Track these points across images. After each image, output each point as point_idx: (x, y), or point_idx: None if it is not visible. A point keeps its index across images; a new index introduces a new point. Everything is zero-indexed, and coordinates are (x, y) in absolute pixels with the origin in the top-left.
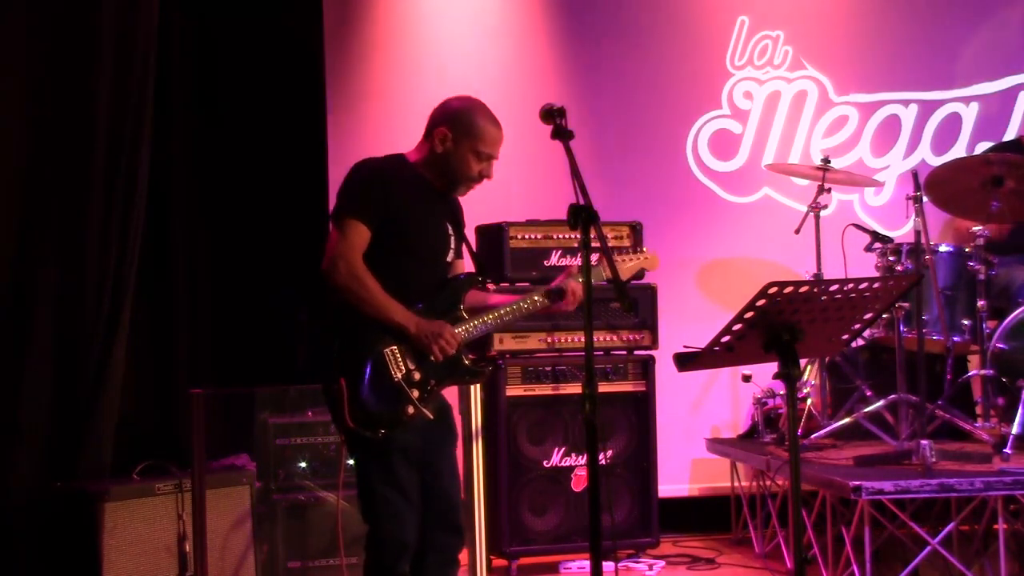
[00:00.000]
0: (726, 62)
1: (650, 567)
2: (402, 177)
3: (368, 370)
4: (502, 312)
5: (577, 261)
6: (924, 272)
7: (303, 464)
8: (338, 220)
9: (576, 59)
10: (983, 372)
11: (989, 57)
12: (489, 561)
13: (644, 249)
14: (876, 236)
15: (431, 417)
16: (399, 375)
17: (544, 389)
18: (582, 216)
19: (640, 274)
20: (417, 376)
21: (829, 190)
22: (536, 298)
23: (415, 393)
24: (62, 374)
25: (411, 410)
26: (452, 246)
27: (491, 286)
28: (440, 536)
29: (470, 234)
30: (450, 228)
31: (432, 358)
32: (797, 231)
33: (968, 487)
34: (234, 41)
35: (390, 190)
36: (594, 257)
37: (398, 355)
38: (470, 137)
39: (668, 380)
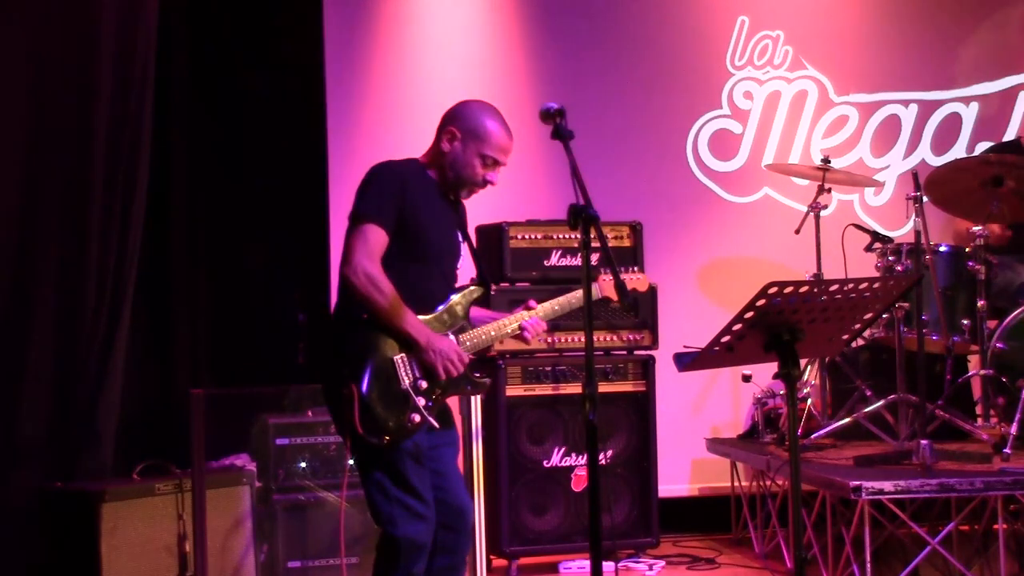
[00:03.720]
0: (726, 62)
1: (650, 567)
2: (418, 182)
3: (378, 377)
4: (504, 323)
5: (577, 261)
6: (924, 272)
7: (303, 464)
8: (357, 223)
9: (576, 60)
10: (983, 372)
11: (989, 57)
12: (489, 561)
13: (636, 269)
14: (876, 236)
15: (437, 426)
16: (407, 383)
17: (544, 389)
18: (582, 216)
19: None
20: (424, 385)
21: (829, 190)
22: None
23: (421, 401)
24: (62, 374)
25: (417, 418)
26: (460, 254)
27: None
28: (449, 537)
29: (470, 234)
30: (460, 236)
31: (437, 376)
32: (797, 231)
33: (968, 487)
34: (234, 41)
35: (407, 195)
36: (594, 257)
37: (406, 363)
38: (477, 139)
39: (668, 380)
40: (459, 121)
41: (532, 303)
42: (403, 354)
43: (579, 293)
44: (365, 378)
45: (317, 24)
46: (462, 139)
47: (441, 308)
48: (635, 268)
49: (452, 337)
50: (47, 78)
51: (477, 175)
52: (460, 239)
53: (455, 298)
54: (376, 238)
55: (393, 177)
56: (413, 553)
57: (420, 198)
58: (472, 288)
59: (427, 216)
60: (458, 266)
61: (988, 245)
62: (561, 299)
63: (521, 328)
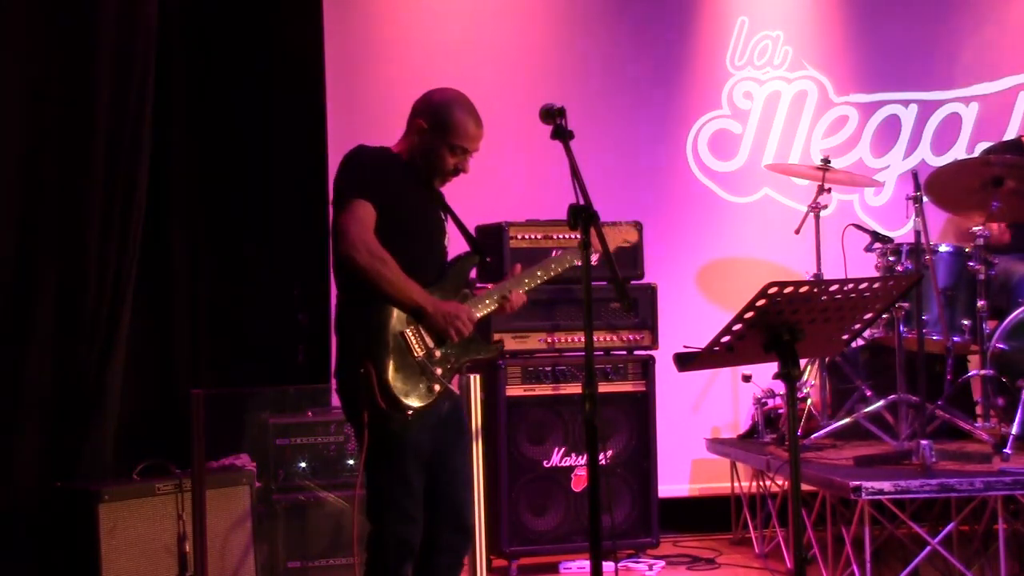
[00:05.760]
0: (726, 62)
1: (650, 567)
2: (394, 165)
3: (392, 351)
4: (506, 285)
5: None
6: (924, 272)
7: (303, 464)
8: (344, 201)
9: (576, 59)
10: (983, 372)
11: (989, 57)
12: (489, 561)
13: (622, 222)
14: (876, 236)
15: (457, 392)
16: (421, 354)
17: (544, 389)
18: (582, 216)
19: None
20: (438, 354)
21: (829, 190)
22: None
23: (438, 371)
24: (62, 373)
25: (437, 387)
26: (446, 231)
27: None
28: (449, 536)
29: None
30: (442, 214)
31: (448, 339)
32: (797, 231)
33: (968, 487)
34: (234, 39)
35: (386, 175)
36: (594, 258)
37: (417, 334)
38: (445, 131)
39: (668, 380)
40: (425, 113)
41: (517, 269)
42: (412, 326)
43: (559, 257)
44: (380, 354)
45: (317, 21)
46: (430, 130)
47: (441, 280)
48: (621, 222)
49: None
50: (47, 78)
51: (447, 165)
52: (443, 217)
53: (453, 268)
54: (366, 212)
55: (370, 158)
56: (402, 552)
57: (398, 178)
58: (468, 256)
59: (407, 195)
60: (446, 243)
61: (988, 245)
62: (542, 266)
63: (503, 298)
